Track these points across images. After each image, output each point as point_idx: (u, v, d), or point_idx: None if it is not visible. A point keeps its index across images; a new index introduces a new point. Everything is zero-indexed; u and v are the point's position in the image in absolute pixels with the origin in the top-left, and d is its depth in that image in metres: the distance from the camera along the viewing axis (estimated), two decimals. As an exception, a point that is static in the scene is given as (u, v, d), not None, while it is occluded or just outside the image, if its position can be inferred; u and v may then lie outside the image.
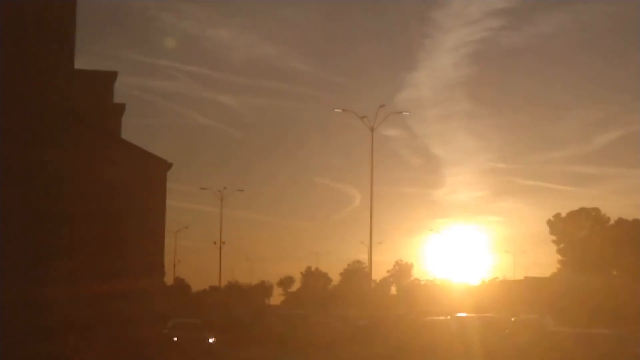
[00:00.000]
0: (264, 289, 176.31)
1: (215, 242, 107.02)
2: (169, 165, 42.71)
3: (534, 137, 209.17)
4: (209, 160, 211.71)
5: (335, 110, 77.80)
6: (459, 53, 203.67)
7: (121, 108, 50.20)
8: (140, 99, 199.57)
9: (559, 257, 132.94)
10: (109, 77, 51.09)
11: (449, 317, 63.26)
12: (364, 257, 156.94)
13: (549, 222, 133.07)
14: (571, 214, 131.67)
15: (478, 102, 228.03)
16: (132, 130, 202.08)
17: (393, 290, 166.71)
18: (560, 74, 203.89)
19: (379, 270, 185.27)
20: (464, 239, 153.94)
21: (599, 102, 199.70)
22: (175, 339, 50.57)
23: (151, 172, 40.69)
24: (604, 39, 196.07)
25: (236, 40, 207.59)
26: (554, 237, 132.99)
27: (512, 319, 59.18)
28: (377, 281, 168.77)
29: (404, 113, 78.43)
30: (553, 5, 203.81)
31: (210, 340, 52.57)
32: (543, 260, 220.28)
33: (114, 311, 36.66)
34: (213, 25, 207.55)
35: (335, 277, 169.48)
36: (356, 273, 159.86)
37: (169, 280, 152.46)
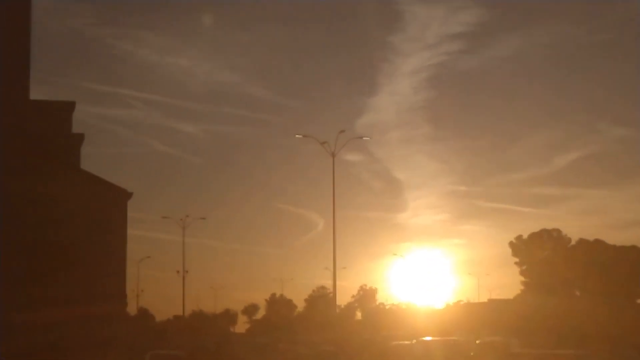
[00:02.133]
0: (229, 317, 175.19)
1: (178, 271, 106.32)
2: (129, 195, 42.41)
3: (494, 160, 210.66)
4: (171, 188, 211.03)
5: (297, 135, 77.79)
6: (418, 77, 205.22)
7: (80, 137, 49.85)
8: (100, 128, 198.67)
9: (522, 278, 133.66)
10: (67, 107, 50.70)
11: (414, 341, 63.31)
12: (328, 282, 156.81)
13: (511, 244, 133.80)
14: (532, 236, 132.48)
15: (438, 126, 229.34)
16: (92, 159, 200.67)
17: (358, 315, 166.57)
18: (519, 96, 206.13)
19: (344, 296, 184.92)
20: (428, 263, 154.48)
21: (559, 123, 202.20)
22: None
23: (110, 201, 40.40)
24: (562, 60, 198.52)
25: (195, 67, 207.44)
26: (516, 259, 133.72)
27: (477, 342, 59.39)
28: (342, 306, 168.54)
29: (364, 138, 78.60)
30: (509, 28, 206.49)
31: None
32: (506, 282, 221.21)
33: (74, 338, 36.24)
34: (171, 53, 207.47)
35: (300, 303, 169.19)
36: (321, 299, 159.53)
37: (132, 310, 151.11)
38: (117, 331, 39.01)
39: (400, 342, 61.03)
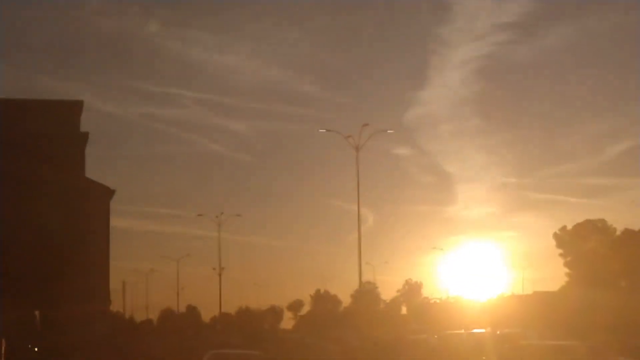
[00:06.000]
0: (275, 313, 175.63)
1: (214, 268, 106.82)
2: (111, 192, 42.24)
3: (545, 150, 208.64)
4: (219, 186, 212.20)
5: (320, 130, 77.53)
6: (467, 68, 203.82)
7: (84, 136, 49.99)
8: (149, 128, 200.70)
9: (567, 270, 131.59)
10: (75, 106, 50.97)
11: (436, 336, 62.80)
12: (371, 277, 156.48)
13: (555, 236, 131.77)
14: (577, 227, 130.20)
15: (488, 118, 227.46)
16: (140, 158, 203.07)
17: (404, 309, 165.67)
18: (570, 86, 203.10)
19: (389, 290, 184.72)
20: (476, 256, 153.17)
21: (611, 113, 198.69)
22: None
23: (92, 199, 40.48)
24: (613, 49, 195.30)
25: (243, 65, 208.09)
26: (560, 251, 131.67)
27: (498, 332, 59.27)
28: (387, 301, 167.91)
29: (389, 131, 77.94)
30: (559, 17, 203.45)
31: None
32: (552, 274, 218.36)
33: (56, 338, 36.45)
34: (219, 51, 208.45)
35: (345, 298, 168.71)
36: (366, 294, 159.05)
37: (181, 307, 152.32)
38: (96, 329, 39.12)
39: (418, 336, 60.54)
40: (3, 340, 36.91)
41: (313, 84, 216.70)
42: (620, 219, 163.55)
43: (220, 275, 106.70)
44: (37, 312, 40.48)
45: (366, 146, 71.65)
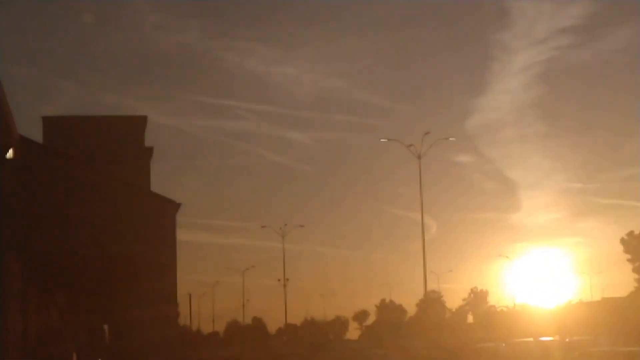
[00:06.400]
0: (340, 323, 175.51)
1: (279, 280, 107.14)
2: (177, 205, 42.84)
3: (609, 155, 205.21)
4: (282, 197, 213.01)
5: (381, 140, 77.42)
6: (528, 74, 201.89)
7: (149, 151, 50.76)
8: (212, 141, 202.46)
9: (635, 275, 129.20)
10: (140, 122, 51.80)
11: (503, 344, 62.18)
12: (438, 286, 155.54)
13: (623, 241, 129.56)
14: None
15: (551, 123, 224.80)
16: (204, 170, 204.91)
17: (470, 318, 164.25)
18: (633, 88, 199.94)
19: (454, 299, 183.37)
20: (543, 263, 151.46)
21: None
22: None
23: (159, 213, 41.05)
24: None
25: (302, 76, 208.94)
26: (628, 256, 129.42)
27: (567, 340, 58.57)
28: (453, 310, 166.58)
29: (450, 139, 77.47)
30: (620, 19, 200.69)
31: None
32: (620, 279, 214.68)
33: (124, 343, 37.11)
34: (278, 63, 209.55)
35: (410, 307, 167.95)
36: (432, 303, 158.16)
37: (246, 320, 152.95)
38: (167, 336, 39.66)
39: (485, 344, 59.93)
40: (74, 354, 37.66)
41: (372, 93, 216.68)
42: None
43: (285, 286, 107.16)
44: (105, 326, 41.21)
45: (428, 154, 71.51)
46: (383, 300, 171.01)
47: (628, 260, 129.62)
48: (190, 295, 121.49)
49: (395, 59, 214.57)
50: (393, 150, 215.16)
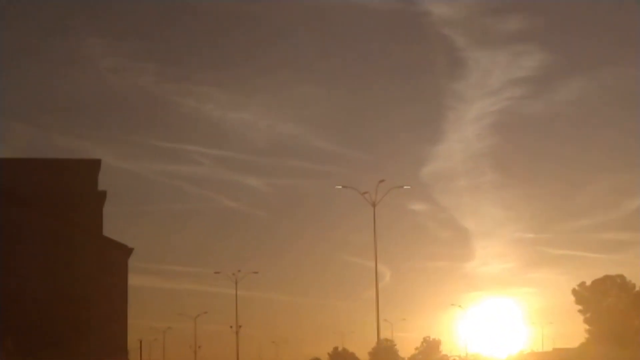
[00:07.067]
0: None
1: (231, 326, 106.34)
2: (129, 250, 42.80)
3: (562, 206, 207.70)
4: (236, 242, 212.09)
5: (337, 187, 77.72)
6: (482, 123, 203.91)
7: (102, 195, 50.57)
8: (167, 185, 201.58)
9: (586, 326, 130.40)
10: (93, 165, 51.67)
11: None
12: (392, 334, 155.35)
13: (574, 291, 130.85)
14: (596, 282, 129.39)
15: (504, 172, 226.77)
16: (157, 215, 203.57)
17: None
18: (585, 140, 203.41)
19: (407, 347, 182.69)
20: (495, 312, 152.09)
21: (626, 167, 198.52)
22: None
23: (112, 258, 40.92)
24: (626, 102, 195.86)
25: (258, 121, 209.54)
26: (580, 307, 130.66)
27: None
28: (406, 359, 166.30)
29: (405, 187, 77.87)
30: (573, 72, 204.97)
31: None
32: (571, 330, 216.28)
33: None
34: (235, 108, 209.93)
35: (363, 356, 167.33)
36: (384, 352, 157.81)
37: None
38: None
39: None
40: None
41: (328, 140, 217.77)
42: (639, 274, 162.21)
43: (237, 333, 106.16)
44: None
45: (383, 202, 71.69)
46: (336, 349, 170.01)
47: (579, 311, 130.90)
48: (141, 342, 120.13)
49: (352, 107, 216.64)
50: (348, 197, 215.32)
